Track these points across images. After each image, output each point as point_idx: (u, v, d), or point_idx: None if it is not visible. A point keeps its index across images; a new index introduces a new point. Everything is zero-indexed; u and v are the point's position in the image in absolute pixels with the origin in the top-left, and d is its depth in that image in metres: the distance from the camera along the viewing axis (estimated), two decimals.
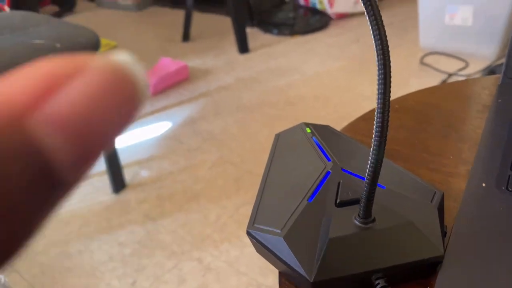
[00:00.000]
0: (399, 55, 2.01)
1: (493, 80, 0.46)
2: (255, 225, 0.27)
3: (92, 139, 0.08)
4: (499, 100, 0.39)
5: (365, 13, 0.22)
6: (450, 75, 1.80)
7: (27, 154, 0.07)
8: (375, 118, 0.22)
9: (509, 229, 0.26)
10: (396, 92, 0.41)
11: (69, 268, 1.14)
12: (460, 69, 1.83)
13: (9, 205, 0.07)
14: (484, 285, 0.23)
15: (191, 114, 1.75)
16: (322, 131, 0.34)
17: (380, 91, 0.22)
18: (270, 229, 0.26)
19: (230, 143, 1.55)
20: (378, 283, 0.24)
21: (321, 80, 1.90)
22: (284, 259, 0.25)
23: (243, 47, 2.19)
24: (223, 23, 2.56)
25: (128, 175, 1.43)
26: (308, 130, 0.34)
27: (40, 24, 1.21)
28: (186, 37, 2.38)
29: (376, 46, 0.22)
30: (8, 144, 0.07)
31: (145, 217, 1.28)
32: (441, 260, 0.24)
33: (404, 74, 1.86)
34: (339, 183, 0.27)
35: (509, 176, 0.30)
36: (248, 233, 0.27)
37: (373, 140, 0.22)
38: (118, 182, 1.37)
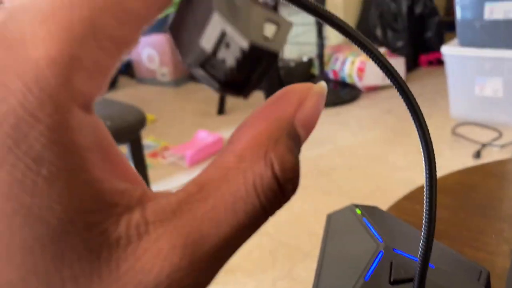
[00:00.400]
0: (431, 126, 2.02)
1: None
2: None
3: (310, 132, 0.14)
4: None
5: (409, 112, 0.26)
6: (484, 145, 1.80)
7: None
8: (424, 206, 0.25)
9: None
10: None
11: None
12: (494, 139, 1.84)
13: None
14: None
15: None
16: (371, 212, 0.37)
17: (427, 181, 0.25)
18: None
19: None
20: None
21: (353, 150, 1.94)
22: None
23: None
24: (256, 97, 2.66)
25: None
26: (358, 211, 0.37)
27: None
28: (221, 110, 2.50)
29: (421, 142, 0.25)
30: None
31: None
32: None
33: (437, 145, 1.87)
34: (391, 263, 0.30)
35: None
36: None
37: (423, 227, 0.25)
38: None
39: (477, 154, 1.76)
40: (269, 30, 0.13)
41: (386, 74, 0.23)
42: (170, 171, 1.96)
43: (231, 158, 0.12)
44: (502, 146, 1.79)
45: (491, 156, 1.77)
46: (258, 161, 0.12)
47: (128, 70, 3.34)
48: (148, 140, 2.24)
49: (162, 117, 2.58)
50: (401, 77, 0.24)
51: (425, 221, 0.25)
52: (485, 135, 1.89)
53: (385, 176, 1.70)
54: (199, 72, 0.13)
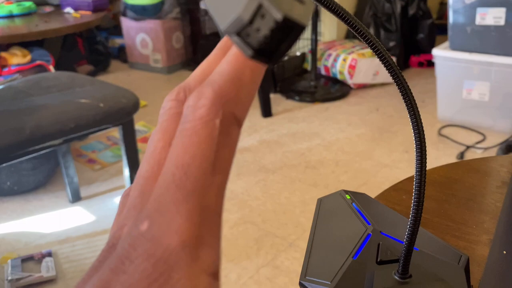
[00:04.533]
0: None
1: (510, 158, 0.51)
2: (306, 277, 0.32)
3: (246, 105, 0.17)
4: None
5: (407, 109, 0.28)
6: (468, 147, 1.85)
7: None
8: (413, 192, 0.27)
9: None
10: None
11: None
12: (478, 142, 1.88)
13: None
14: None
15: None
16: (360, 198, 0.39)
17: (417, 168, 0.27)
18: (321, 281, 0.31)
19: (252, 203, 1.59)
20: None
21: (341, 146, 1.97)
22: None
23: (266, 111, 2.29)
24: None
25: None
26: (348, 197, 0.39)
27: (85, 85, 1.32)
28: None
29: (414, 134, 0.27)
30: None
31: None
32: None
33: None
34: (379, 244, 0.32)
35: None
36: (301, 284, 0.32)
37: (411, 210, 0.27)
38: None
39: (461, 156, 1.81)
40: (298, 6, 0.14)
41: (383, 62, 0.25)
42: None
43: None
44: (485, 149, 1.84)
45: (474, 158, 1.81)
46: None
47: (120, 54, 3.32)
48: (138, 125, 2.24)
49: (154, 103, 2.58)
50: (397, 67, 0.26)
51: (413, 204, 0.27)
52: (470, 138, 1.93)
53: (370, 172, 1.73)
54: (235, 39, 0.15)
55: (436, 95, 2.07)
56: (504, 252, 0.34)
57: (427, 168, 0.52)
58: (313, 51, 2.52)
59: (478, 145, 1.86)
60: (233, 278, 1.26)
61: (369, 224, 0.34)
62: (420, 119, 0.27)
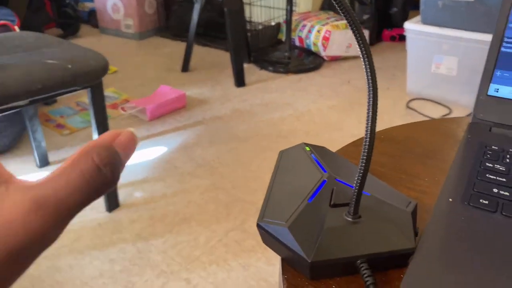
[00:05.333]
0: (387, 98, 2.12)
1: (466, 120, 0.53)
2: (264, 219, 0.33)
3: (129, 155, 0.21)
4: (469, 136, 0.46)
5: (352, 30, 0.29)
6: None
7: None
8: (365, 130, 0.29)
9: (468, 234, 0.33)
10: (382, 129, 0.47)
11: (59, 282, 1.17)
12: (444, 115, 1.94)
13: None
14: (446, 273, 0.29)
15: (186, 141, 1.81)
16: (319, 150, 0.41)
17: (369, 110, 0.29)
18: (277, 221, 0.32)
19: (223, 170, 1.61)
20: (362, 267, 0.30)
21: (312, 117, 1.99)
22: (288, 245, 0.31)
23: (240, 81, 2.29)
24: (222, 57, 2.67)
25: (122, 195, 1.47)
26: (307, 149, 0.41)
27: (52, 45, 1.28)
28: (185, 67, 2.48)
29: (365, 70, 0.28)
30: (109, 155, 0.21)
31: (137, 236, 1.31)
32: (413, 252, 0.31)
33: (390, 116, 1.96)
34: (333, 189, 0.34)
35: (471, 194, 0.37)
36: (258, 225, 0.33)
37: (363, 148, 0.29)
38: (112, 201, 1.41)
39: None
40: None
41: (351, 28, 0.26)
42: (130, 123, 1.95)
43: (69, 161, 0.20)
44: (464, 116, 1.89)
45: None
46: (86, 157, 0.20)
47: (90, 18, 3.21)
48: (108, 91, 2.20)
49: (124, 69, 2.53)
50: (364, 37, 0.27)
51: (364, 142, 0.28)
52: (437, 111, 1.98)
53: (339, 142, 1.77)
54: None
55: (406, 69, 2.11)
56: (450, 199, 0.37)
57: (391, 127, 0.54)
58: (288, 21, 2.50)
59: (445, 118, 1.91)
60: (202, 241, 1.28)
61: (325, 171, 0.36)
62: (373, 67, 0.28)
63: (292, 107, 2.08)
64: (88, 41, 2.99)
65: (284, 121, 1.96)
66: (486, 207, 0.35)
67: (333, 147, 0.48)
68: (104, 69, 1.23)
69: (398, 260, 0.31)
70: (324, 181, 0.35)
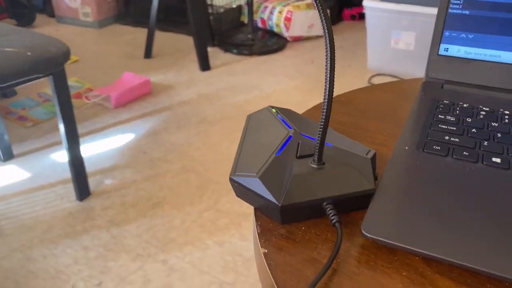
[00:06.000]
0: (349, 75, 2.17)
1: (420, 81, 0.57)
2: (236, 173, 0.35)
3: None
4: (422, 93, 0.50)
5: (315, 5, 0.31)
6: None
7: None
8: (324, 87, 0.31)
9: (422, 176, 0.36)
10: None
11: (33, 272, 1.16)
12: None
13: None
14: (402, 210, 0.33)
15: (153, 126, 1.80)
16: (285, 111, 0.43)
17: (327, 66, 0.31)
18: (248, 173, 0.34)
19: (193, 153, 1.62)
20: (328, 207, 0.33)
21: (278, 97, 2.02)
22: (259, 193, 0.33)
23: (204, 65, 2.28)
24: (185, 42, 2.65)
25: (92, 183, 1.46)
26: (274, 110, 0.43)
27: (10, 33, 1.25)
28: (148, 54, 2.45)
29: (324, 32, 0.31)
30: None
31: (110, 222, 1.31)
32: (373, 193, 0.34)
33: None
34: (299, 143, 0.36)
35: (425, 142, 0.40)
36: (231, 179, 0.35)
37: (323, 102, 0.31)
38: (82, 190, 1.40)
39: None
40: None
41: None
42: (95, 112, 1.92)
43: None
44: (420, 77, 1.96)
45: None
46: None
47: (46, 7, 3.11)
48: (71, 81, 2.16)
49: (85, 58, 2.48)
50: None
51: (325, 95, 0.31)
52: None
53: None
54: None
55: (366, 46, 2.16)
56: (406, 147, 0.40)
57: (352, 90, 0.57)
58: (249, 3, 2.51)
59: (400, 80, 1.98)
60: (177, 223, 1.30)
61: (290, 128, 0.38)
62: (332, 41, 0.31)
63: (258, 88, 2.10)
64: (44, 31, 2.90)
65: (250, 102, 1.98)
66: (438, 152, 0.39)
67: None
68: (65, 55, 1.21)
69: (361, 202, 0.34)
70: (290, 136, 0.37)
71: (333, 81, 0.31)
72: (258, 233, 0.33)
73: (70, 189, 1.43)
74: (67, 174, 1.43)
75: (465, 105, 0.47)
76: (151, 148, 1.66)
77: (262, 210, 0.35)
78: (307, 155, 0.35)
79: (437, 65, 0.52)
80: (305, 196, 0.32)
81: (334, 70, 0.30)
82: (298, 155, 0.35)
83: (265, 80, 2.19)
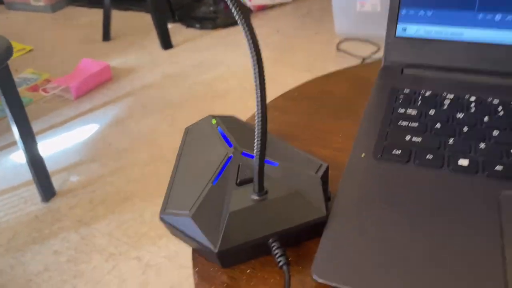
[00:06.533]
0: (317, 42, 2.11)
1: (379, 64, 0.52)
2: (166, 210, 0.30)
3: None
4: (380, 82, 0.45)
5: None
6: (364, 59, 1.92)
7: None
8: (255, 113, 0.26)
9: (380, 192, 0.32)
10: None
11: (1, 285, 1.10)
12: (373, 53, 1.96)
13: None
14: (357, 245, 0.28)
15: (117, 115, 1.73)
16: (226, 121, 0.38)
17: (257, 89, 0.26)
18: (180, 212, 0.29)
19: (161, 140, 1.56)
20: (274, 245, 0.28)
21: (247, 72, 1.95)
22: (193, 236, 0.28)
23: (166, 43, 2.18)
24: (144, 20, 2.53)
25: (56, 182, 1.39)
26: (214, 122, 0.38)
27: None
28: (106, 36, 2.33)
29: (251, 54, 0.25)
30: None
31: (78, 222, 1.26)
32: (325, 220, 0.29)
33: (322, 60, 1.96)
34: (239, 165, 0.31)
35: (384, 147, 0.36)
36: (161, 219, 0.30)
37: (256, 129, 0.26)
38: (46, 190, 1.34)
39: None
40: None
41: None
42: (55, 105, 1.82)
43: None
44: (380, 59, 1.92)
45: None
46: None
47: None
48: (26, 73, 2.04)
49: (40, 47, 2.34)
50: None
51: (257, 122, 0.26)
52: (366, 49, 2.00)
53: (277, 94, 1.75)
54: None
55: (332, 11, 2.09)
56: (363, 155, 0.35)
57: (305, 82, 0.52)
58: None
59: (374, 56, 1.94)
60: (148, 217, 1.25)
61: (231, 146, 0.33)
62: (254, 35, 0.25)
63: (225, 64, 2.03)
64: None
65: (218, 79, 1.91)
66: (398, 158, 0.34)
67: (272, 99, 0.47)
68: (7, 52, 1.12)
69: (313, 231, 0.30)
70: (230, 157, 0.32)
71: (265, 103, 0.25)
72: (195, 282, 0.28)
73: (34, 191, 1.36)
74: (30, 175, 1.36)
75: (427, 93, 0.42)
76: (116, 138, 1.59)
77: (201, 252, 0.30)
78: (248, 180, 0.30)
79: (395, 47, 0.47)
80: (245, 236, 0.28)
81: (264, 85, 0.25)
82: (238, 182, 0.30)
83: (232, 54, 2.11)
